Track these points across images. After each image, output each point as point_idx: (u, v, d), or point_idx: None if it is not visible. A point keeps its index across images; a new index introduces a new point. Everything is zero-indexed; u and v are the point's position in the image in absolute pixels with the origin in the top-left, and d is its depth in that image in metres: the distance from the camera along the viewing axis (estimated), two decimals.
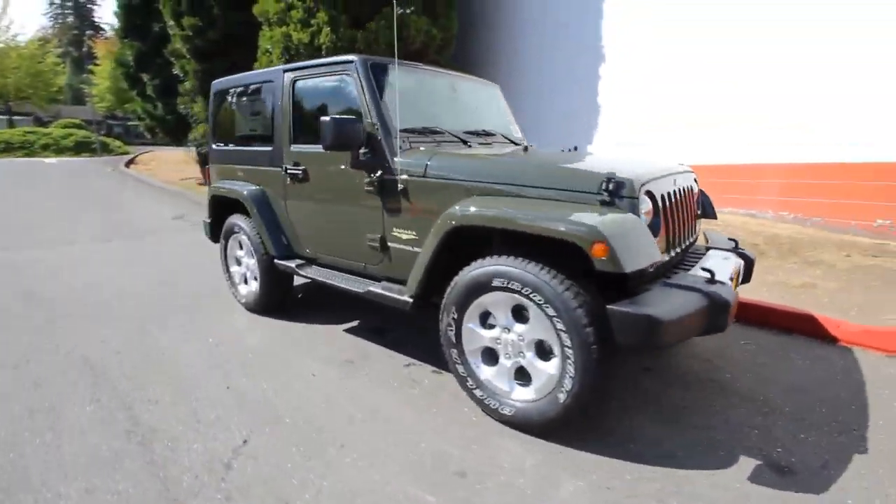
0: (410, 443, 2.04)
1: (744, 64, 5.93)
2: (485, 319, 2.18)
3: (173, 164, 17.29)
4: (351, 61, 2.70)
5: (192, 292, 4.11)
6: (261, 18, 8.80)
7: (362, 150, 2.58)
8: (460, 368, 2.24)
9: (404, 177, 2.47)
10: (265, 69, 3.37)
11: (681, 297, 1.82)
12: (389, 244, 2.66)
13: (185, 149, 14.90)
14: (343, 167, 2.76)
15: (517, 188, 2.14)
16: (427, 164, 2.43)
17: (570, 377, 1.86)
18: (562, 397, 1.90)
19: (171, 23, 10.91)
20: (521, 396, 2.07)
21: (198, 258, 5.41)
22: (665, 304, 1.75)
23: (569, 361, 1.85)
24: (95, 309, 3.72)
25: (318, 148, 2.91)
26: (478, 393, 2.19)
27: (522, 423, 2.06)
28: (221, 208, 3.85)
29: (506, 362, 2.13)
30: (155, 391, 2.48)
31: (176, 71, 11.60)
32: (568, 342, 1.83)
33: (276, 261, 3.32)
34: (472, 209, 2.09)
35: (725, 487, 1.76)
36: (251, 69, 4.85)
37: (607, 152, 4.46)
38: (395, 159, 2.52)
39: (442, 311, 2.26)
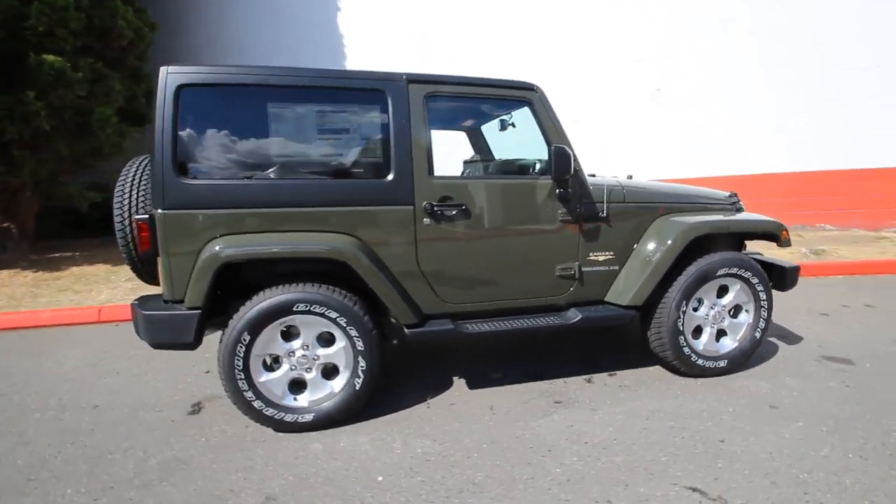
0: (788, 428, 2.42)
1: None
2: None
3: None
4: (533, 88, 2.54)
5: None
6: None
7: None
8: (686, 349, 2.81)
9: (608, 203, 2.69)
10: (356, 70, 2.27)
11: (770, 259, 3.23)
12: (584, 269, 2.74)
13: None
14: (539, 198, 2.57)
15: (688, 205, 2.93)
16: (624, 192, 2.77)
17: (764, 319, 2.91)
18: (759, 334, 2.93)
19: None
20: (727, 346, 2.92)
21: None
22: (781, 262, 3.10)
23: (763, 310, 2.90)
24: None
25: (495, 178, 2.55)
26: (695, 360, 2.84)
27: (728, 369, 2.92)
28: (221, 284, 2.27)
29: (711, 330, 2.90)
30: None
31: None
32: (765, 303, 2.88)
33: (409, 331, 2.45)
34: (711, 220, 2.73)
35: (843, 381, 3.07)
36: None
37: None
38: (592, 187, 2.69)
39: (669, 307, 2.74)
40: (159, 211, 2.19)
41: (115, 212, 2.53)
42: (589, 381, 2.93)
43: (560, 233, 2.66)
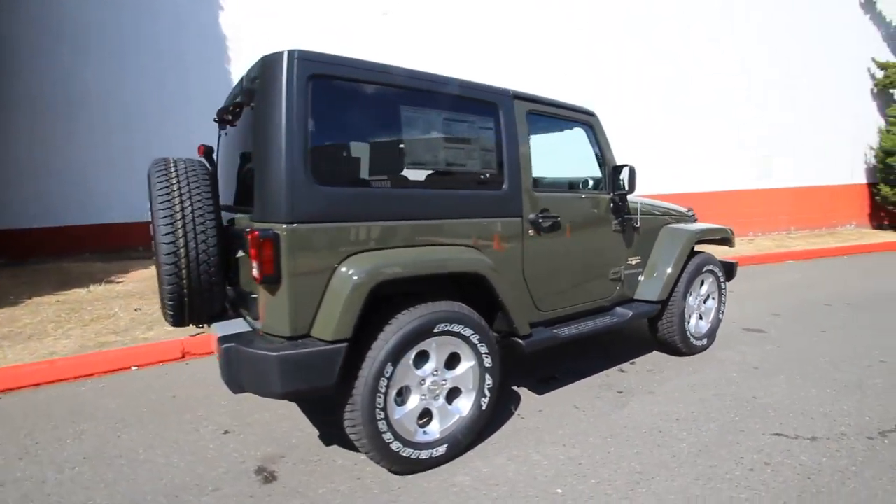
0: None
1: None
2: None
3: None
4: (594, 114, 2.83)
5: None
6: None
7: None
8: (687, 333, 3.43)
9: (638, 214, 3.15)
10: (473, 81, 2.14)
11: None
12: (624, 273, 3.13)
13: None
14: (601, 211, 2.86)
15: (670, 217, 3.61)
16: (647, 206, 3.27)
17: (723, 304, 3.76)
18: (721, 316, 3.76)
19: None
20: (704, 327, 3.67)
21: None
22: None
23: (723, 297, 3.74)
24: None
25: (575, 193, 2.75)
26: (692, 341, 3.51)
27: (707, 346, 3.68)
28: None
29: (696, 315, 3.60)
30: None
31: None
32: (724, 292, 3.72)
33: (525, 341, 2.45)
34: (703, 227, 3.40)
35: (773, 345, 4.27)
36: None
37: None
38: (630, 202, 3.12)
39: (678, 299, 3.32)
40: (285, 226, 1.76)
41: (163, 229, 1.91)
42: (622, 371, 3.33)
43: (613, 241, 3.01)
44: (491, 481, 2.09)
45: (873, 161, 9.62)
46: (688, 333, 3.44)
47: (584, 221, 2.83)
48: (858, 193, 9.85)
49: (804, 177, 9.41)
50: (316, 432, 2.54)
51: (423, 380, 2.13)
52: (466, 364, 2.24)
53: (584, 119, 2.88)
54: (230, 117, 2.39)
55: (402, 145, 2.12)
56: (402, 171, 2.12)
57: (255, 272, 1.79)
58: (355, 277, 1.82)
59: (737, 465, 2.20)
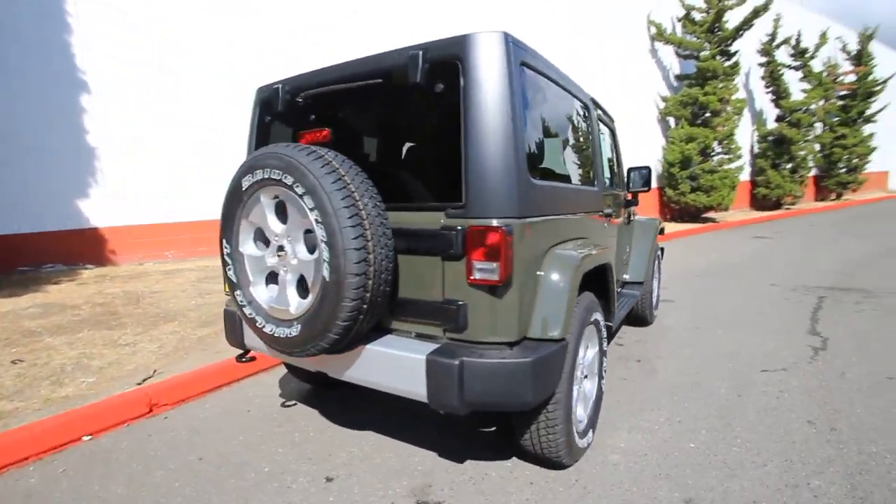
0: None
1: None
2: None
3: None
4: (613, 119, 3.21)
5: None
6: None
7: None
8: (652, 305, 4.16)
9: (632, 208, 3.70)
10: (577, 83, 2.17)
11: None
12: (626, 258, 3.64)
13: None
14: (621, 206, 3.27)
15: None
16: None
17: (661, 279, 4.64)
18: (660, 290, 4.63)
19: None
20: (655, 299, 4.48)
21: None
22: None
23: (660, 274, 4.62)
24: None
25: (614, 190, 3.08)
26: (654, 312, 4.26)
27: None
28: None
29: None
30: None
31: None
32: (661, 270, 4.60)
33: (614, 325, 2.68)
34: (658, 221, 4.12)
35: (687, 309, 5.26)
36: None
37: None
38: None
39: (650, 279, 4.02)
40: (515, 221, 1.63)
41: (350, 232, 1.56)
42: (620, 345, 3.83)
43: (625, 231, 3.49)
44: (638, 452, 2.27)
45: (660, 170, 12.81)
46: (652, 305, 4.18)
47: (618, 215, 3.23)
48: (654, 195, 12.95)
49: None
50: (430, 453, 2.31)
51: (580, 370, 2.19)
52: (593, 350, 2.37)
53: (611, 124, 3.28)
54: (340, 102, 2.03)
55: (567, 142, 2.14)
56: (566, 166, 2.14)
57: (479, 275, 1.61)
58: (570, 272, 1.80)
59: (767, 396, 2.86)
